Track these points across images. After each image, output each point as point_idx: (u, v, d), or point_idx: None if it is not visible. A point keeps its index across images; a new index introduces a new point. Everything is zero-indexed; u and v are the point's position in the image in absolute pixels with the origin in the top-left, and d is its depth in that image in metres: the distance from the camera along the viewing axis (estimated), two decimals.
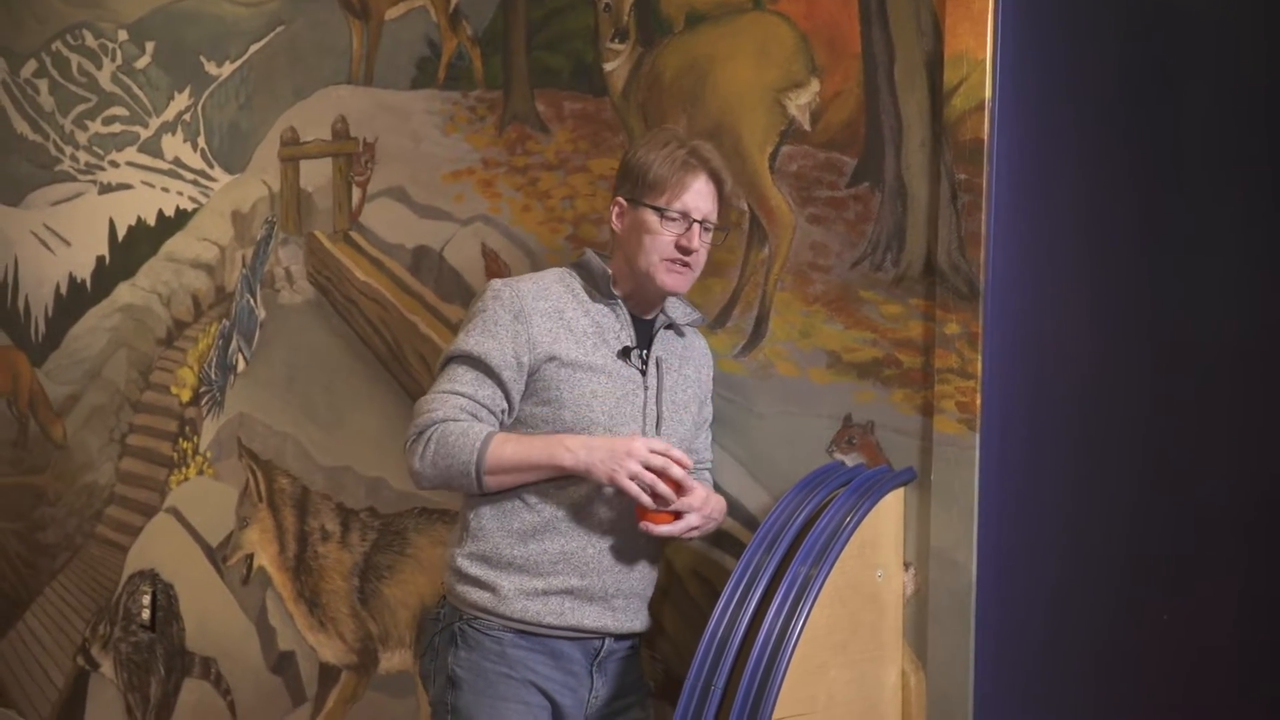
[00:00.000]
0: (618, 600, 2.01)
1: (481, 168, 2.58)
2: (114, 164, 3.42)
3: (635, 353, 2.03)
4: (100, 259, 3.48)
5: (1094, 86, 1.92)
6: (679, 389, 2.08)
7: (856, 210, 2.06)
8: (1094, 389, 1.94)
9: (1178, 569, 1.87)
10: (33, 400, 3.72)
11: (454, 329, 2.63)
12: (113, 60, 3.41)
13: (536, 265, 2.47)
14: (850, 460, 2.06)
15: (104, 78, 3.44)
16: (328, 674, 2.89)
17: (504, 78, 2.54)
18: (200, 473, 3.23)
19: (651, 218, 1.98)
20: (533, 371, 1.98)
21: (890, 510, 1.98)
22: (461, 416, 1.95)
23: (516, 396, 1.99)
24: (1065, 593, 1.95)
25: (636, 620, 2.05)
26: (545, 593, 1.97)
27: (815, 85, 2.10)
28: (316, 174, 2.91)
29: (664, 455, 1.89)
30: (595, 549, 1.98)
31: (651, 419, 2.03)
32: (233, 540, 3.13)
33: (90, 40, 3.46)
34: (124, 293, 3.42)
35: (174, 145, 3.25)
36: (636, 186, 2.00)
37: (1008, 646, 1.95)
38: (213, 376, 3.19)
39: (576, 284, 2.05)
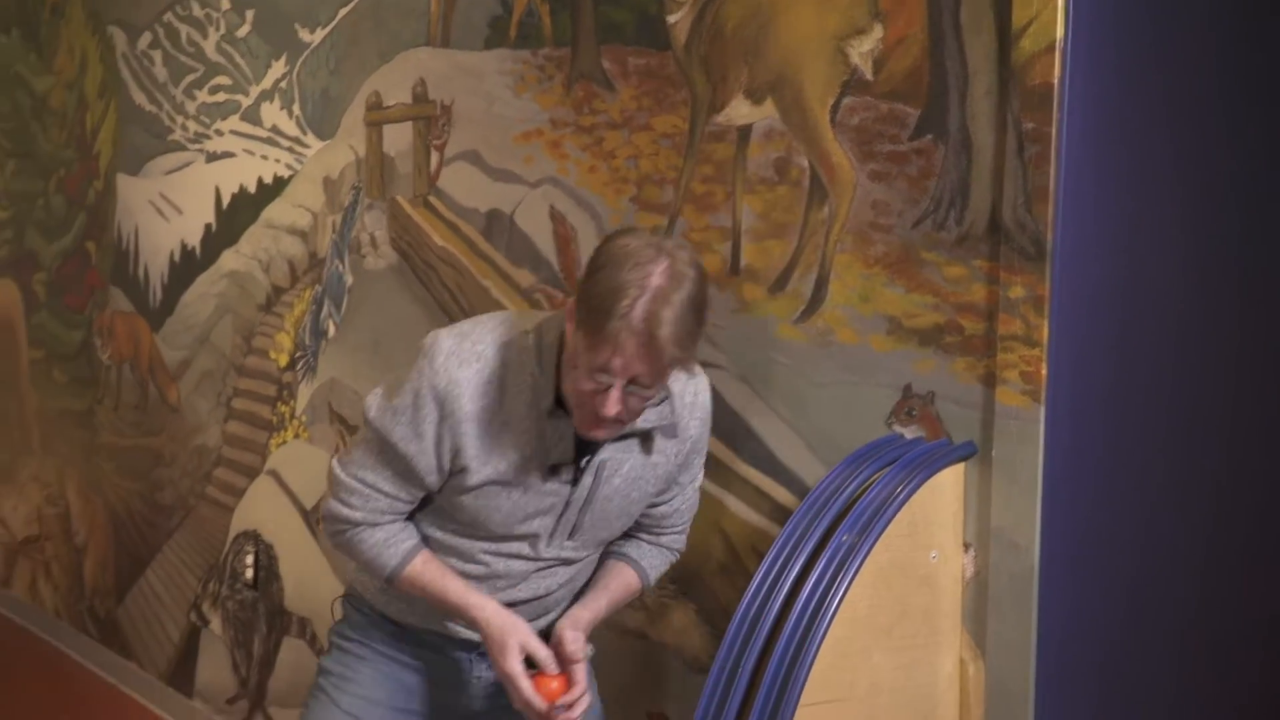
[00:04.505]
0: None
1: (549, 128, 2.51)
2: (219, 133, 3.48)
3: (567, 468, 1.77)
4: (208, 226, 3.55)
5: (1182, 21, 1.73)
6: (621, 494, 1.82)
7: (919, 165, 1.91)
8: (1179, 360, 1.76)
9: (1270, 561, 1.69)
10: (152, 365, 3.83)
11: (524, 296, 2.58)
12: (217, 30, 3.46)
13: (602, 228, 2.39)
14: (909, 433, 1.93)
15: (209, 47, 3.50)
16: None
17: (571, 34, 2.47)
18: (296, 436, 3.27)
19: (579, 355, 1.65)
20: (452, 473, 1.80)
21: (949, 488, 1.84)
22: (383, 520, 1.83)
23: (437, 489, 1.83)
24: (1141, 583, 1.78)
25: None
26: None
27: (878, 31, 1.96)
28: (399, 138, 2.90)
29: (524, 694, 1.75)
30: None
31: (566, 528, 1.83)
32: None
33: (197, 10, 3.53)
34: (229, 259, 3.48)
35: (271, 113, 3.28)
36: (579, 304, 1.65)
37: (1075, 637, 1.80)
38: (306, 342, 3.22)
39: (530, 363, 1.73)
